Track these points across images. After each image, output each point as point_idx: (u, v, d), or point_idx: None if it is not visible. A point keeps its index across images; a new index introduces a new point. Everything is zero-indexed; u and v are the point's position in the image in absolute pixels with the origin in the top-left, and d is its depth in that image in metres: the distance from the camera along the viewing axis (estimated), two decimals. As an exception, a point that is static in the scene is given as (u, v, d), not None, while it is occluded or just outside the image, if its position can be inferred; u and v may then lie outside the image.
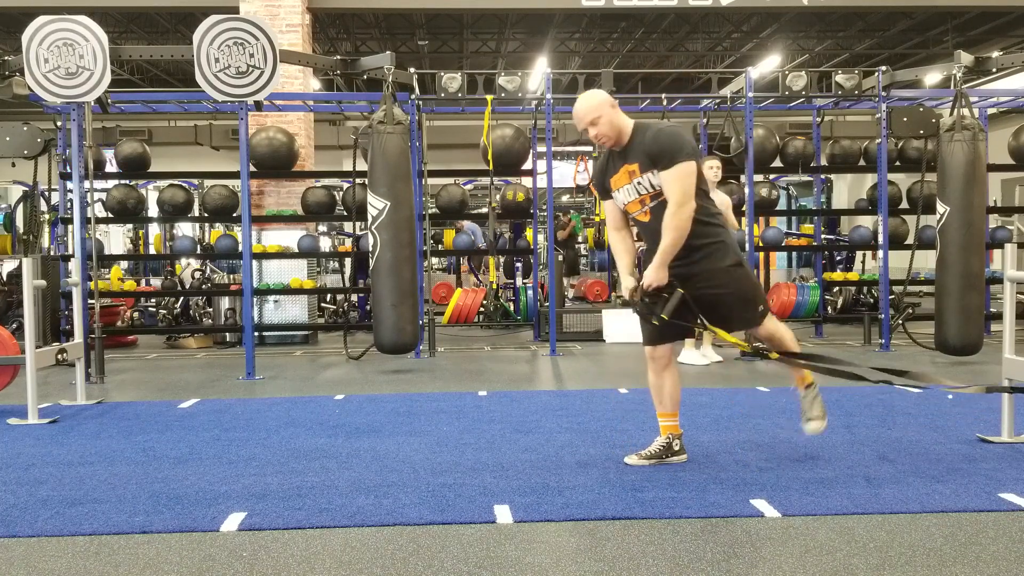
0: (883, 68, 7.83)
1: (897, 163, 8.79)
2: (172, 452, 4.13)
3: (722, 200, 7.12)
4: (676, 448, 3.78)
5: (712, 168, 6.96)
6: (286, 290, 8.63)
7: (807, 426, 3.79)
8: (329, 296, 10.16)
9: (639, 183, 3.52)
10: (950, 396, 5.26)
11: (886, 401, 5.14)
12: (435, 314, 8.56)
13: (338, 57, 8.30)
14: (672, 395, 3.77)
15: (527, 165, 8.76)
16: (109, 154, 9.28)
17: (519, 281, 10.54)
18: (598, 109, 3.52)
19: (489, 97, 7.97)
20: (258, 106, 7.25)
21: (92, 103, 6.59)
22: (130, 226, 14.34)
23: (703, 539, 2.85)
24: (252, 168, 8.10)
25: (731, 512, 3.10)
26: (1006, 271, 4.11)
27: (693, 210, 3.45)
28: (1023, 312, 9.23)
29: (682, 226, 3.43)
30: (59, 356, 5.27)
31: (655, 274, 3.49)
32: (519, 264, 10.68)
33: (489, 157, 8.40)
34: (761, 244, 9.21)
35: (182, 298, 9.42)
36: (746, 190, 7.93)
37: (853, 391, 5.45)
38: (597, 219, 12.49)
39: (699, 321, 3.57)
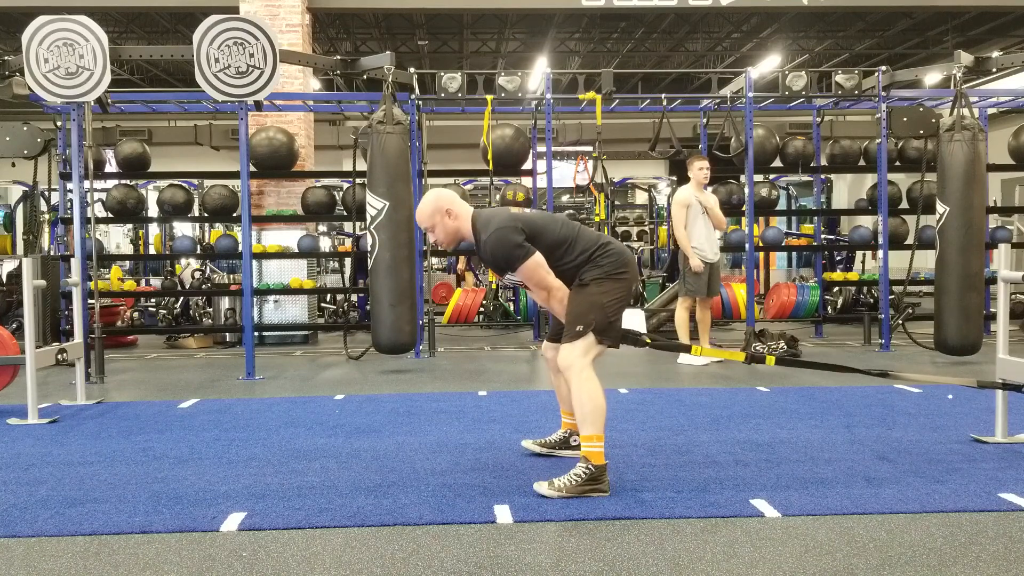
0: (883, 68, 7.83)
1: (897, 163, 8.79)
2: (172, 452, 4.13)
3: (712, 200, 7.15)
4: (574, 443, 3.85)
5: (702, 169, 7.00)
6: (286, 290, 8.63)
7: (539, 483, 3.40)
8: (329, 296, 10.17)
9: (508, 277, 3.52)
10: (950, 396, 5.26)
11: (886, 401, 5.14)
12: (435, 314, 8.56)
13: (338, 57, 8.31)
14: (568, 396, 3.75)
15: (527, 165, 8.76)
16: (109, 154, 9.28)
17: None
18: (430, 218, 3.49)
19: (489, 97, 7.97)
20: (258, 106, 7.24)
21: (92, 103, 6.59)
22: (130, 226, 14.33)
23: (703, 539, 2.85)
24: (252, 168, 8.09)
25: (731, 512, 3.10)
26: (1000, 271, 4.10)
27: (561, 289, 3.46)
28: (1020, 312, 9.27)
29: (555, 307, 3.50)
30: (59, 356, 5.27)
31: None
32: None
33: (489, 157, 8.40)
34: (761, 244, 9.21)
35: (182, 298, 9.42)
36: (746, 190, 7.94)
37: (853, 391, 5.45)
38: (597, 219, 12.48)
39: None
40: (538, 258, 3.37)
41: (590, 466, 3.33)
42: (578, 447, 3.74)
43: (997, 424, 4.12)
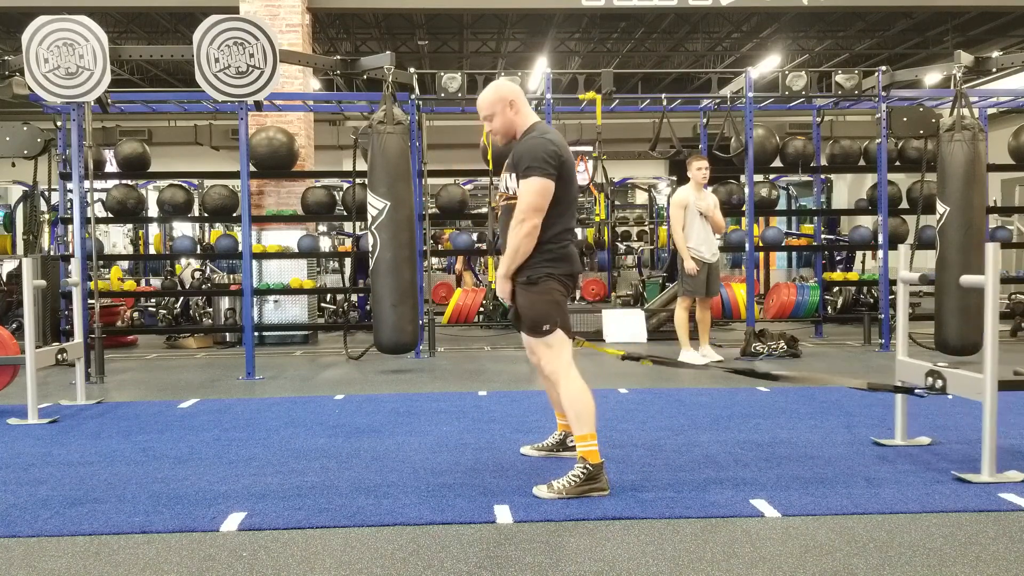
0: (883, 68, 7.83)
1: (897, 163, 8.79)
2: (172, 452, 4.13)
3: (711, 201, 7.15)
4: (571, 444, 3.84)
5: (700, 170, 6.99)
6: (286, 290, 8.63)
7: (539, 486, 3.40)
8: (329, 296, 10.16)
9: (506, 178, 3.49)
10: (950, 396, 5.25)
11: (886, 401, 5.12)
12: (435, 314, 8.55)
13: (338, 57, 8.31)
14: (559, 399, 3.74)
15: (527, 165, 8.74)
16: (109, 154, 9.28)
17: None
18: (491, 106, 3.48)
19: (489, 97, 7.95)
20: (258, 106, 7.24)
21: (92, 103, 6.59)
22: (130, 226, 14.34)
23: (703, 539, 2.85)
24: (252, 168, 8.09)
25: (731, 512, 3.10)
26: (900, 272, 4.07)
27: (535, 228, 3.33)
28: (1021, 312, 9.26)
29: (517, 243, 3.34)
30: (59, 356, 5.28)
31: (499, 286, 3.51)
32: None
33: (489, 157, 8.40)
34: (761, 244, 9.21)
35: (182, 298, 9.42)
36: (746, 190, 7.94)
37: (853, 392, 5.45)
38: (597, 219, 12.49)
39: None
40: (551, 188, 3.33)
41: (588, 465, 3.33)
42: (575, 447, 3.76)
43: (896, 426, 4.10)
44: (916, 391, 3.83)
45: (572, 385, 3.39)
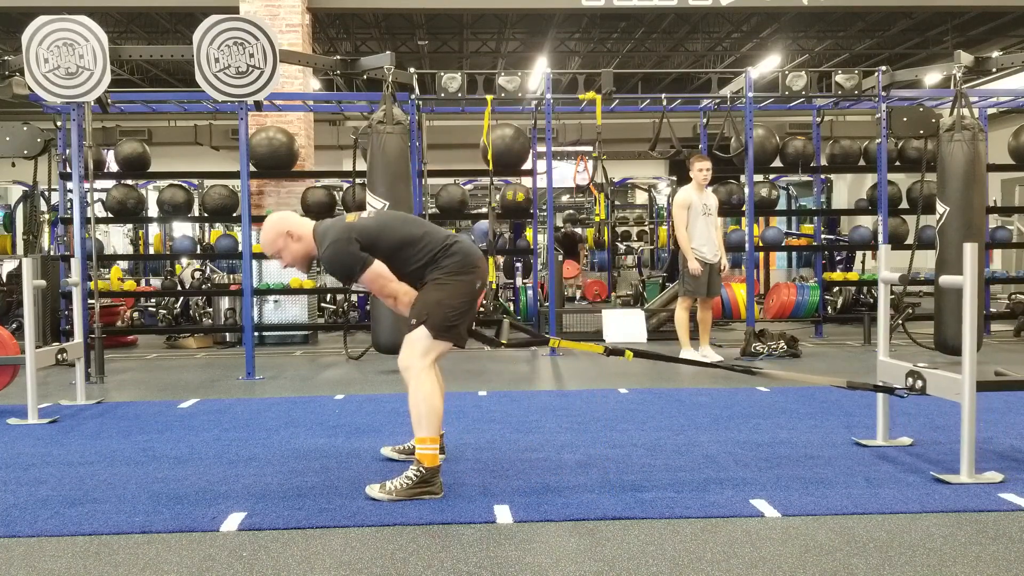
0: (883, 68, 7.83)
1: (897, 163, 8.79)
2: (172, 452, 4.13)
3: (712, 201, 7.15)
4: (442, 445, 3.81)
5: (702, 171, 6.99)
6: (286, 290, 8.63)
7: (372, 486, 3.37)
8: (329, 296, 10.16)
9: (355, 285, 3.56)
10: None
11: (887, 401, 5.13)
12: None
13: (338, 57, 8.31)
14: None
15: (527, 165, 8.76)
16: (109, 154, 9.28)
17: (519, 281, 10.54)
18: (274, 243, 3.47)
19: (489, 97, 7.97)
20: (258, 106, 7.24)
21: (92, 103, 6.59)
22: (130, 226, 14.34)
23: (703, 539, 2.85)
24: (252, 168, 8.09)
25: (731, 512, 3.10)
26: (881, 272, 4.06)
27: (408, 294, 3.44)
28: (1021, 312, 9.27)
29: (406, 304, 3.46)
30: (59, 356, 5.28)
31: None
32: (519, 264, 10.68)
33: (489, 157, 8.40)
34: (761, 244, 9.22)
35: (182, 298, 9.42)
36: (746, 190, 7.94)
37: (854, 392, 5.44)
38: (597, 219, 12.49)
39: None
40: (378, 267, 3.36)
41: (422, 468, 3.29)
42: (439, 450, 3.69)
43: (878, 427, 4.09)
44: (896, 391, 3.83)
45: (423, 386, 3.34)
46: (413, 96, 7.73)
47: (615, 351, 3.79)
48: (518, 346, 4.07)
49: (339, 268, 3.38)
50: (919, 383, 3.66)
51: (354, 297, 9.47)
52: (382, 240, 3.40)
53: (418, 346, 3.36)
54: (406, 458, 3.83)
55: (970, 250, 3.38)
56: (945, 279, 3.77)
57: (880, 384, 3.93)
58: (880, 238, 8.13)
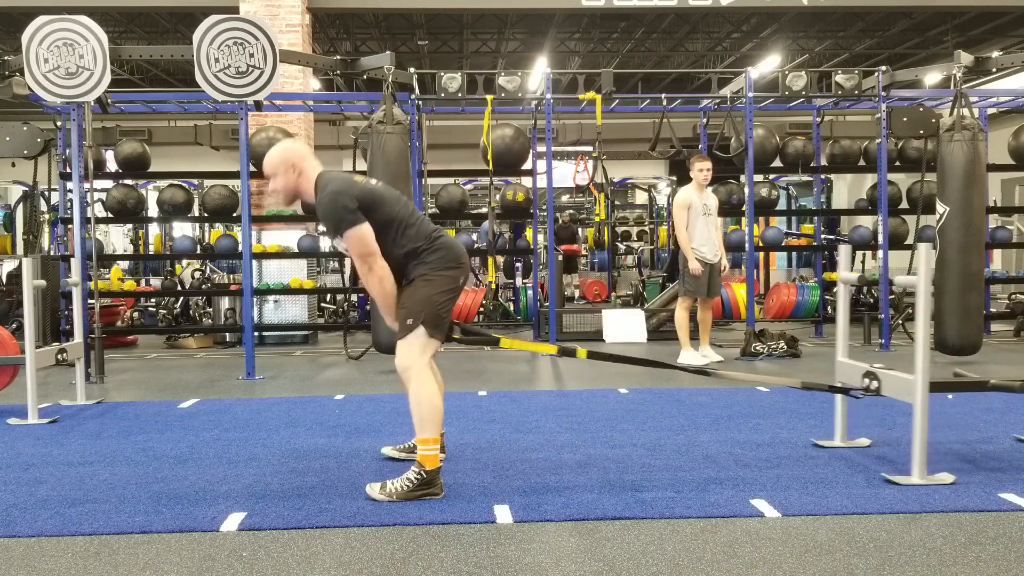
0: (883, 68, 7.83)
1: (897, 163, 8.79)
2: (172, 452, 4.13)
3: (712, 201, 7.15)
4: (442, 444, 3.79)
5: (702, 171, 6.98)
6: (286, 290, 8.63)
7: (372, 484, 3.37)
8: (329, 296, 10.16)
9: (334, 243, 3.46)
10: (950, 396, 5.26)
11: (886, 402, 5.13)
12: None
13: (338, 57, 8.31)
14: None
15: (527, 165, 8.76)
16: (109, 154, 9.28)
17: (519, 281, 10.55)
18: (275, 168, 3.42)
19: (489, 97, 7.97)
20: (258, 106, 7.24)
21: (92, 103, 6.59)
22: (130, 226, 14.35)
23: (703, 539, 2.85)
24: (252, 168, 8.09)
25: (731, 512, 3.10)
26: (840, 272, 4.05)
27: (381, 268, 3.35)
28: (1020, 311, 9.28)
29: (377, 289, 3.38)
30: (59, 356, 5.27)
31: (391, 327, 3.51)
32: (519, 264, 10.69)
33: (489, 157, 8.40)
34: (761, 244, 9.22)
35: (182, 298, 9.42)
36: (746, 190, 7.94)
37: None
38: (597, 219, 12.50)
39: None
40: (365, 229, 3.30)
41: (423, 471, 3.28)
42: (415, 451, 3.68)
43: (836, 428, 4.08)
44: (851, 392, 3.83)
45: (422, 387, 3.33)
46: (413, 96, 7.73)
47: (566, 351, 3.72)
48: (470, 343, 4.03)
49: (330, 216, 3.31)
50: (875, 384, 3.66)
51: (354, 297, 9.47)
52: (379, 210, 3.37)
53: (415, 345, 3.35)
54: (407, 457, 3.83)
55: (924, 250, 3.37)
56: (901, 279, 3.75)
57: (835, 385, 3.92)
58: (881, 238, 8.13)
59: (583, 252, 14.60)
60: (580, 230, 15.11)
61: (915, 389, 3.41)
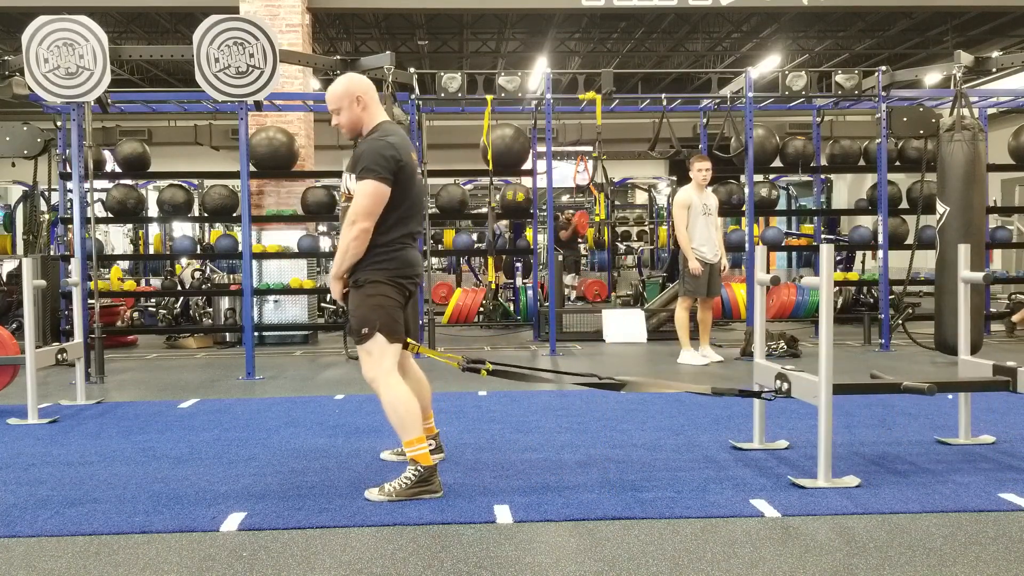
0: (883, 68, 7.83)
1: (897, 163, 8.79)
2: (172, 452, 4.13)
3: (712, 202, 7.15)
4: (430, 447, 3.69)
5: (701, 171, 6.98)
6: (286, 290, 8.63)
7: (371, 489, 3.35)
8: (329, 296, 10.13)
9: (346, 178, 3.44)
10: (950, 396, 5.25)
11: (885, 402, 5.14)
12: (435, 314, 8.55)
13: (338, 57, 8.31)
14: (419, 397, 3.66)
15: (527, 165, 8.76)
16: (109, 154, 9.28)
17: (519, 281, 10.55)
18: (339, 100, 3.40)
19: (489, 97, 7.97)
20: (258, 106, 7.24)
21: (92, 103, 6.59)
22: (130, 226, 14.34)
23: (703, 539, 2.85)
24: (252, 168, 8.09)
25: (731, 512, 3.10)
26: (757, 273, 4.04)
27: (365, 232, 3.28)
28: (1016, 312, 9.27)
29: (346, 245, 3.31)
30: (59, 356, 5.27)
31: (332, 286, 3.46)
32: (519, 264, 10.69)
33: (489, 157, 8.40)
34: (761, 244, 9.20)
35: (182, 298, 9.42)
36: (746, 190, 7.93)
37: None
38: (597, 219, 12.50)
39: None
40: (385, 193, 3.26)
41: (419, 467, 3.28)
42: (435, 450, 3.71)
43: (754, 430, 4.06)
44: (762, 395, 3.82)
45: (392, 392, 3.32)
46: (413, 96, 7.73)
47: (471, 368, 3.63)
48: None
49: (368, 157, 3.27)
50: (785, 386, 3.65)
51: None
52: (406, 185, 3.35)
53: (375, 354, 3.34)
54: (405, 459, 3.82)
55: (826, 251, 3.36)
56: (808, 280, 3.73)
57: (745, 390, 3.90)
58: (880, 238, 8.12)
59: (583, 248, 14.59)
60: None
61: (819, 391, 3.41)
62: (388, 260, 3.36)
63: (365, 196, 3.27)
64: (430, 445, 3.63)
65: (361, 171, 3.28)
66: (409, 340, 3.58)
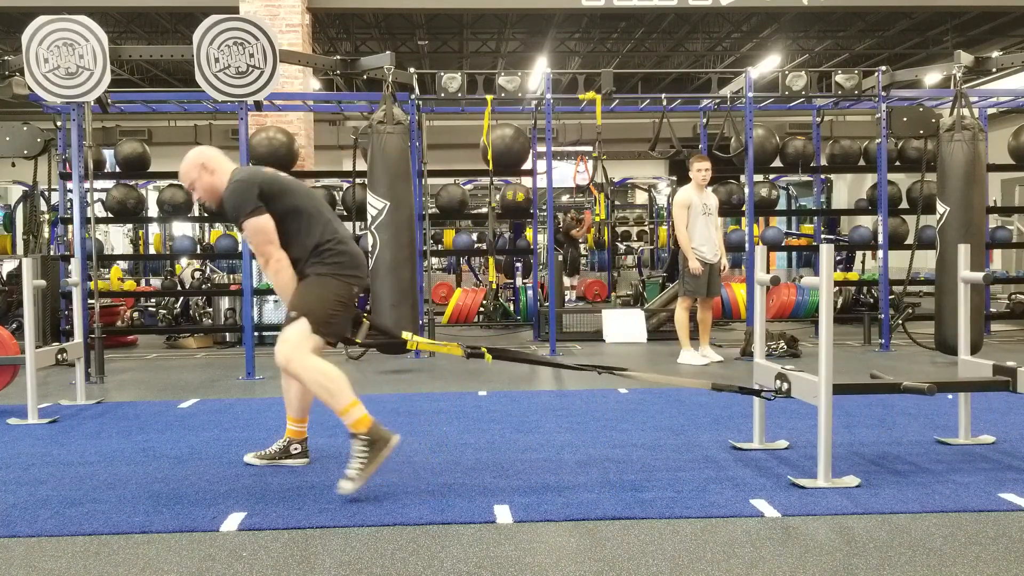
0: (883, 68, 7.83)
1: (897, 163, 8.79)
2: (172, 452, 4.13)
3: (712, 202, 7.15)
4: (295, 451, 3.81)
5: (700, 171, 6.98)
6: (286, 290, 8.61)
7: (340, 482, 3.31)
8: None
9: (241, 237, 3.55)
10: (950, 396, 5.25)
11: (885, 402, 5.14)
12: (435, 314, 8.55)
13: (338, 57, 8.31)
14: (297, 398, 3.74)
15: (527, 165, 8.76)
16: (109, 154, 9.28)
17: (519, 281, 10.55)
18: (188, 174, 3.51)
19: (489, 97, 7.97)
20: (258, 106, 7.24)
21: (92, 103, 6.59)
22: (130, 226, 14.34)
23: (703, 539, 2.85)
24: (252, 168, 8.08)
25: (731, 512, 3.10)
26: (757, 275, 4.04)
27: (277, 260, 3.40)
28: (1020, 312, 9.28)
29: (278, 282, 3.44)
30: (59, 356, 5.27)
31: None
32: (519, 264, 10.69)
33: (489, 157, 8.40)
34: (761, 244, 9.20)
35: (182, 298, 9.42)
36: (746, 190, 7.94)
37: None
38: (597, 219, 12.50)
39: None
40: (264, 221, 3.35)
41: (363, 435, 3.28)
42: (299, 455, 3.79)
43: (754, 430, 4.05)
44: (762, 394, 3.82)
45: (312, 368, 3.30)
46: (413, 96, 7.73)
47: (474, 353, 3.72)
48: (374, 346, 4.07)
49: (230, 203, 3.38)
50: (785, 386, 3.65)
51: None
52: (283, 199, 3.41)
53: (293, 339, 3.35)
54: (270, 462, 3.79)
55: (826, 251, 3.36)
56: (808, 280, 3.73)
57: (746, 387, 3.91)
58: (880, 238, 8.12)
59: (583, 248, 14.59)
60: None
61: (819, 391, 3.41)
62: (338, 255, 3.43)
63: (252, 235, 3.40)
64: (296, 449, 3.79)
65: (236, 220, 3.41)
66: (406, 338, 3.60)
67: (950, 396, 5.26)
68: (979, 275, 4.10)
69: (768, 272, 3.95)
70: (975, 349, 6.81)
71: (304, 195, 3.52)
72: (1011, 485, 3.38)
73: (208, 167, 3.49)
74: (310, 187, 3.69)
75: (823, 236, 10.15)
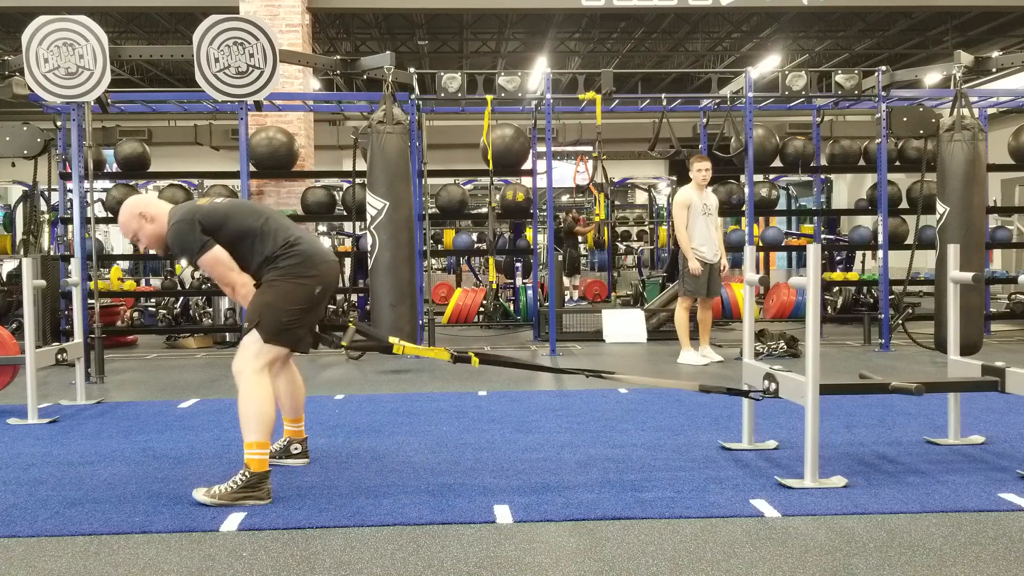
0: (883, 68, 7.83)
1: (897, 163, 8.79)
2: (172, 452, 4.13)
3: (712, 202, 7.15)
4: (295, 451, 3.80)
5: (700, 171, 6.98)
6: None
7: (198, 489, 3.30)
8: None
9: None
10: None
11: (886, 401, 5.14)
12: (435, 314, 8.55)
13: (338, 57, 8.32)
14: (287, 398, 3.72)
15: (527, 165, 8.76)
16: (109, 154, 9.28)
17: (519, 281, 10.55)
18: (128, 226, 3.47)
19: (489, 97, 7.97)
20: (258, 106, 7.25)
21: (92, 103, 6.59)
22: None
23: (703, 539, 2.85)
24: (252, 168, 8.10)
25: (731, 512, 3.10)
26: (746, 274, 4.05)
27: (242, 284, 3.41)
28: (1020, 312, 9.28)
29: (245, 305, 3.45)
30: (59, 356, 5.27)
31: None
32: (519, 264, 10.70)
33: (489, 157, 8.40)
34: (761, 244, 9.21)
35: (182, 298, 9.42)
36: (746, 190, 7.94)
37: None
38: (597, 219, 12.49)
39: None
40: (217, 253, 3.34)
41: (248, 472, 3.24)
42: (299, 455, 3.78)
43: (744, 430, 4.05)
44: (751, 394, 3.82)
45: (254, 389, 3.29)
46: (413, 96, 7.73)
47: (461, 358, 3.68)
48: (361, 349, 4.06)
49: (179, 247, 3.37)
50: (773, 386, 3.65)
51: (354, 297, 9.47)
52: (227, 226, 3.38)
53: (250, 350, 3.34)
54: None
55: (812, 250, 3.36)
56: (795, 280, 3.74)
57: (733, 388, 3.91)
58: (880, 238, 8.12)
59: (583, 248, 14.58)
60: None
61: (806, 391, 3.41)
62: (287, 258, 3.39)
63: (211, 268, 3.41)
64: (296, 448, 3.75)
65: (190, 261, 3.41)
66: (392, 342, 3.59)
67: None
68: (968, 275, 4.10)
69: (767, 272, 3.95)
70: (975, 349, 6.81)
71: (247, 213, 3.46)
72: (1011, 485, 3.38)
73: (147, 215, 3.42)
74: (252, 202, 3.63)
75: (823, 236, 10.15)
